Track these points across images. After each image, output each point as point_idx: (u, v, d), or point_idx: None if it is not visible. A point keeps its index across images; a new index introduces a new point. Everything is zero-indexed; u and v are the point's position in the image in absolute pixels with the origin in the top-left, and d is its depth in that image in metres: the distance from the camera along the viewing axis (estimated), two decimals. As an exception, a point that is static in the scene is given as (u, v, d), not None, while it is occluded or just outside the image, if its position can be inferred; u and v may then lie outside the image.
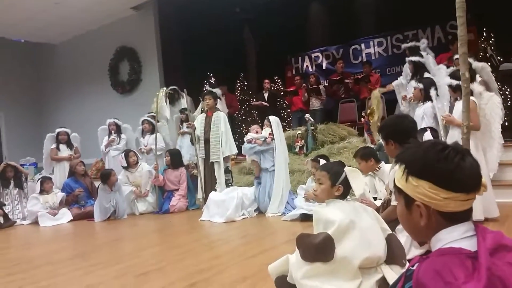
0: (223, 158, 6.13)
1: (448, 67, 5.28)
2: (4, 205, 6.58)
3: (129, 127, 8.18)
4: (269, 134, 5.59)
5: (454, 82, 4.00)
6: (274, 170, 5.52)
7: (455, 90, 4.04)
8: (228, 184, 6.10)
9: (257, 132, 5.75)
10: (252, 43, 10.61)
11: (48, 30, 10.93)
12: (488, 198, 3.80)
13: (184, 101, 7.92)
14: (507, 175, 5.16)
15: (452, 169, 1.03)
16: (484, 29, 7.68)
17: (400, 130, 2.64)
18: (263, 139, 5.59)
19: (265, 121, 5.86)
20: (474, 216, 3.48)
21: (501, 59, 7.18)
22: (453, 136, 3.94)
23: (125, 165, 6.77)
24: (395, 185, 1.17)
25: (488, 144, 4.15)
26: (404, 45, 6.45)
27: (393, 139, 2.63)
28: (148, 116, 7.83)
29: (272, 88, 9.46)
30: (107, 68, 11.14)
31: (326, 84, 9.02)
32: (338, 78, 8.72)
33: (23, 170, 7.33)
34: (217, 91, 8.46)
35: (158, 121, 7.31)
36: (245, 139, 5.82)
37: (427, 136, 4.37)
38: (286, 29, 9.55)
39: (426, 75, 5.41)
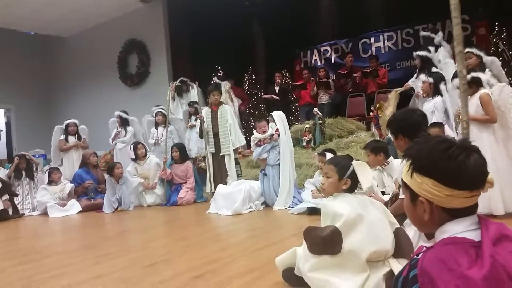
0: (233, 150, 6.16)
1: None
2: (17, 195, 6.67)
3: (136, 119, 8.20)
4: (276, 130, 5.57)
5: (468, 76, 3.95)
6: (277, 164, 5.51)
7: (470, 86, 3.98)
8: (238, 175, 6.13)
9: (264, 132, 5.68)
10: (261, 37, 10.56)
11: (58, 23, 10.97)
12: (509, 191, 3.75)
13: (194, 93, 7.94)
14: None
15: (455, 167, 1.05)
16: (496, 23, 7.57)
17: (409, 124, 2.61)
18: (269, 137, 5.59)
19: (270, 118, 5.86)
20: (494, 211, 3.44)
21: (513, 54, 7.08)
22: (472, 130, 3.89)
23: (134, 157, 6.81)
24: (402, 179, 1.19)
25: (507, 134, 4.10)
26: (422, 33, 6.42)
27: (403, 133, 2.61)
28: (160, 108, 7.87)
29: (284, 81, 9.42)
30: (116, 61, 11.17)
31: (334, 78, 8.97)
32: (345, 72, 8.68)
33: (34, 160, 7.40)
34: (226, 83, 8.46)
35: (169, 114, 7.34)
36: (251, 143, 5.81)
37: (448, 131, 4.34)
38: (295, 23, 9.51)
39: (433, 69, 5.37)
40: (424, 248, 1.09)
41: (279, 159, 5.50)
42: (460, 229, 1.05)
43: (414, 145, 1.17)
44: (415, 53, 5.85)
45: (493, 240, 0.99)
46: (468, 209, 1.08)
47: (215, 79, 8.72)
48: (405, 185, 1.17)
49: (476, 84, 3.97)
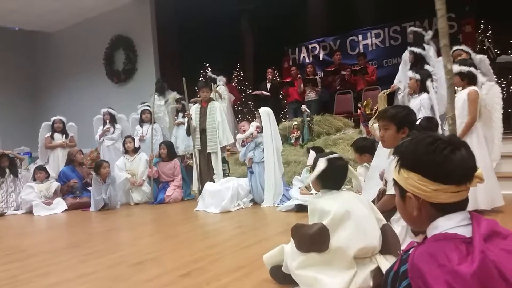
0: (220, 148, 6.12)
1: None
2: None
3: (124, 117, 8.14)
4: (256, 127, 5.58)
5: (465, 68, 3.98)
6: (263, 161, 5.51)
7: (463, 78, 4.02)
8: (225, 174, 6.10)
9: (244, 131, 5.73)
10: (249, 33, 10.54)
11: (44, 19, 10.80)
12: (492, 187, 3.82)
13: (173, 93, 7.96)
14: (504, 167, 5.17)
15: (440, 161, 1.05)
16: (482, 21, 7.66)
17: (412, 119, 2.65)
18: (250, 135, 5.60)
19: (257, 114, 5.86)
20: (479, 205, 3.50)
21: (498, 52, 7.18)
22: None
23: (122, 149, 6.82)
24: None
25: (491, 133, 4.16)
26: (410, 28, 6.44)
27: (409, 127, 2.60)
28: (146, 106, 7.82)
29: (275, 78, 9.42)
30: (102, 57, 11.05)
31: (322, 75, 8.99)
32: (332, 69, 8.70)
33: (18, 156, 7.28)
34: (221, 78, 8.41)
35: (155, 113, 7.32)
36: (237, 144, 5.88)
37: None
38: (283, 20, 9.50)
39: (426, 67, 5.40)
40: (415, 244, 1.09)
41: (263, 157, 5.50)
42: (451, 224, 1.05)
43: (402, 143, 1.17)
44: (409, 48, 5.87)
45: (484, 237, 0.99)
46: (458, 204, 1.08)
47: (210, 73, 8.64)
48: (394, 182, 1.17)
49: (469, 79, 4.00)
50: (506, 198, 4.09)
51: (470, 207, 1.12)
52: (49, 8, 10.03)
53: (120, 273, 2.77)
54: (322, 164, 2.22)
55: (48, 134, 7.65)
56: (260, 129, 5.59)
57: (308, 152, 4.76)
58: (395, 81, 6.48)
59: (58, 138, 7.67)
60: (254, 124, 5.63)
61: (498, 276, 0.92)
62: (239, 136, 5.77)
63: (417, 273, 0.97)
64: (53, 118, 7.77)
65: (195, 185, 6.25)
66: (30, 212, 6.22)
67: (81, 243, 3.87)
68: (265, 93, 8.78)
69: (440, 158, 1.05)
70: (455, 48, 5.15)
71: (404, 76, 6.31)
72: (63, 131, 7.73)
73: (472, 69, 4.06)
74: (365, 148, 4.14)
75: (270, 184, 5.37)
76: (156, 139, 7.34)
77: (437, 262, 0.95)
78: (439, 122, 4.63)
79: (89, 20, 11.05)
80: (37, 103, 12.63)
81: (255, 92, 9.38)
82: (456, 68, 4.04)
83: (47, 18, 10.74)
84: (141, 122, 7.80)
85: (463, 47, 5.00)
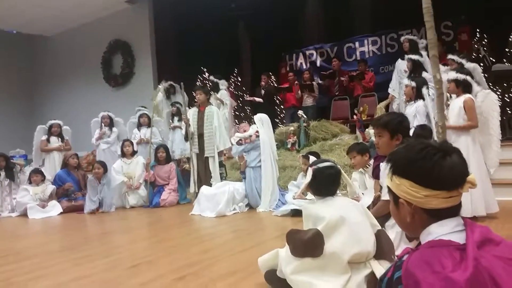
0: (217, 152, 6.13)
1: (444, 65, 5.31)
2: None
3: (121, 120, 8.14)
4: (256, 131, 5.59)
5: (462, 76, 4.02)
6: (258, 166, 5.51)
7: (457, 86, 4.05)
8: (222, 178, 6.12)
9: (244, 131, 5.76)
10: (247, 39, 10.57)
11: (42, 22, 10.82)
12: (488, 194, 3.84)
13: (179, 96, 7.93)
14: (499, 174, 5.19)
15: (430, 167, 1.06)
16: (478, 30, 7.73)
17: (405, 126, 2.66)
18: (248, 136, 5.61)
19: (254, 119, 5.88)
20: (476, 212, 3.51)
21: (494, 60, 7.23)
22: (451, 133, 3.96)
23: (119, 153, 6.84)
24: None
25: (487, 140, 4.18)
26: (405, 36, 6.49)
27: (403, 134, 2.62)
28: (143, 109, 7.81)
29: (269, 84, 9.43)
30: (100, 61, 11.05)
31: (320, 82, 9.02)
32: (328, 72, 8.74)
33: (18, 162, 7.29)
34: (224, 83, 8.40)
35: (153, 116, 7.30)
36: (232, 140, 5.85)
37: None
38: (281, 26, 9.53)
39: (424, 74, 5.44)
40: (410, 250, 1.10)
41: (259, 161, 5.51)
42: (445, 231, 1.06)
43: (395, 150, 1.18)
44: (407, 56, 5.92)
45: (478, 243, 1.00)
46: (451, 210, 1.08)
47: (212, 77, 8.64)
48: (388, 188, 1.18)
49: (464, 87, 4.03)
50: (502, 204, 4.12)
51: (467, 213, 1.13)
52: (47, 12, 10.04)
53: (114, 276, 2.76)
54: (309, 174, 2.25)
55: (44, 138, 7.61)
56: (258, 134, 5.60)
57: (307, 158, 4.78)
58: (389, 90, 6.53)
59: (54, 141, 7.64)
60: (255, 127, 5.65)
61: (491, 283, 0.93)
62: (238, 134, 5.77)
63: (412, 279, 0.97)
64: (51, 122, 7.75)
65: (192, 189, 6.24)
66: (25, 214, 6.19)
67: (76, 246, 3.85)
68: (257, 99, 8.76)
69: (430, 164, 1.06)
70: (448, 57, 5.22)
71: (397, 84, 6.37)
72: (60, 135, 7.72)
73: (468, 78, 4.10)
74: (366, 149, 4.27)
75: (266, 189, 5.38)
76: (156, 143, 7.31)
77: (431, 268, 0.95)
78: (434, 130, 4.67)
79: (87, 24, 11.08)
80: (33, 106, 12.61)
81: (248, 99, 9.39)
82: (453, 75, 4.07)
83: (45, 21, 10.76)
84: (139, 125, 7.79)
85: (455, 57, 5.05)
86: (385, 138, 2.65)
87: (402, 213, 1.14)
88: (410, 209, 1.10)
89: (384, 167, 2.29)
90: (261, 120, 5.62)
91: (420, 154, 1.08)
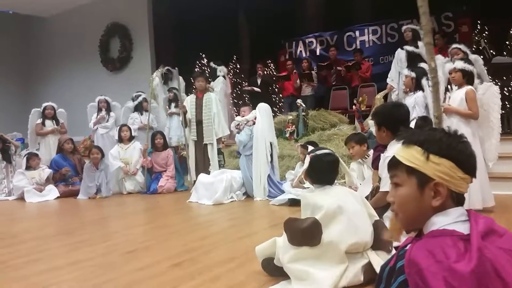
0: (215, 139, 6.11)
1: (445, 57, 5.28)
2: None
3: (118, 105, 8.07)
4: (254, 118, 5.56)
5: (469, 67, 3.99)
6: (251, 155, 5.49)
7: (464, 76, 4.02)
8: (220, 165, 6.10)
9: (243, 116, 5.75)
10: (246, 26, 10.47)
11: (39, 3, 10.67)
12: (485, 187, 3.85)
13: (177, 82, 7.86)
14: (498, 167, 5.21)
15: (469, 151, 1.11)
16: (479, 21, 7.68)
17: (395, 118, 2.64)
18: (246, 121, 5.60)
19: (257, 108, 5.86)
20: (473, 205, 3.53)
21: (494, 53, 7.20)
22: (452, 124, 3.95)
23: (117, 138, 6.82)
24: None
25: (487, 133, 4.17)
26: (408, 26, 6.43)
27: (386, 126, 2.63)
28: (142, 93, 7.76)
29: (265, 72, 9.36)
30: (98, 44, 10.94)
31: (316, 70, 8.98)
32: (325, 63, 8.69)
33: (13, 142, 7.22)
34: (222, 69, 8.33)
35: (151, 102, 7.25)
36: (232, 125, 5.83)
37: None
38: (281, 13, 9.43)
39: (422, 64, 5.40)
40: (413, 239, 1.10)
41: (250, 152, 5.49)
42: (449, 220, 1.06)
43: (416, 132, 1.16)
44: (405, 47, 5.90)
45: (482, 234, 1.00)
46: (463, 197, 1.13)
47: (212, 63, 8.56)
48: (411, 171, 1.12)
49: (468, 78, 4.00)
50: (499, 199, 4.13)
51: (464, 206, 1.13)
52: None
53: (111, 261, 2.77)
54: (307, 161, 2.25)
55: (39, 121, 7.48)
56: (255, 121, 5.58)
57: (305, 147, 4.76)
58: (388, 80, 6.49)
59: (49, 124, 7.51)
60: (254, 113, 5.62)
61: (494, 274, 0.93)
62: (237, 118, 5.78)
63: (415, 269, 0.97)
64: (44, 104, 7.60)
65: (190, 177, 6.22)
66: (21, 198, 6.19)
67: (73, 231, 3.86)
68: (255, 89, 8.72)
69: (469, 150, 1.11)
70: (453, 46, 5.16)
71: (396, 74, 6.33)
72: (54, 118, 7.61)
73: (474, 69, 4.08)
74: (364, 139, 4.32)
75: (257, 177, 5.35)
76: (155, 129, 7.27)
77: (434, 258, 0.96)
78: (434, 120, 4.66)
79: (85, 6, 10.94)
80: (29, 89, 12.48)
81: (245, 88, 9.34)
82: (461, 64, 4.02)
83: (42, 2, 10.61)
84: (141, 110, 7.69)
85: (461, 46, 5.01)
86: (384, 134, 2.66)
87: (426, 197, 1.09)
88: (446, 191, 1.08)
89: (385, 157, 2.29)
90: (263, 109, 5.56)
91: (459, 138, 1.12)
